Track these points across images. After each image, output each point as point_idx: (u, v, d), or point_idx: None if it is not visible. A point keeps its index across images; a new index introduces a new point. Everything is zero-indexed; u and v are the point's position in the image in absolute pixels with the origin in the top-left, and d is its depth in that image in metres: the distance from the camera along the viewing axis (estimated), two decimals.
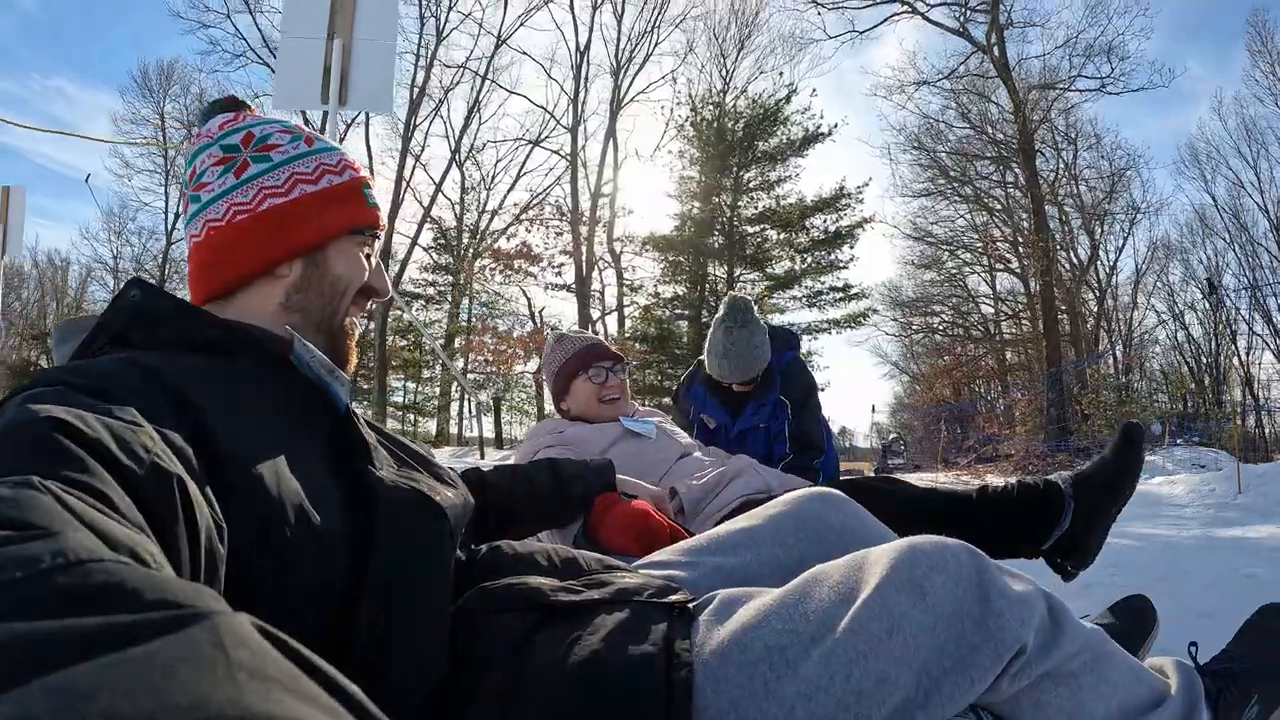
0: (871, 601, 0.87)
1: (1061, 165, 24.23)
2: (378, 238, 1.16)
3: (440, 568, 0.92)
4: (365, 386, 26.36)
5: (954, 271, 26.42)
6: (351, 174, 1.12)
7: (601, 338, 2.68)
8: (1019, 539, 1.73)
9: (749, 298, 3.03)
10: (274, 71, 4.06)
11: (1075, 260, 24.90)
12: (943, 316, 28.00)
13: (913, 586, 0.89)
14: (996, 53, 21.38)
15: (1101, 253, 25.57)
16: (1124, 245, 25.56)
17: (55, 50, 48.27)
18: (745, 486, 1.96)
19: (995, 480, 1.95)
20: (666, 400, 24.05)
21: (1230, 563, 4.43)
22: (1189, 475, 9.23)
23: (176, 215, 28.37)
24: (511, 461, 2.03)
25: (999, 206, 23.94)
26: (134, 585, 0.38)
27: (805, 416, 3.03)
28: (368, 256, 1.14)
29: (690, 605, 0.99)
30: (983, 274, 26.21)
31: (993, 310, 26.81)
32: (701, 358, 3.13)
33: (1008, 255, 23.98)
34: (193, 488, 0.65)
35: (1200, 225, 25.87)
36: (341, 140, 25.17)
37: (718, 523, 1.61)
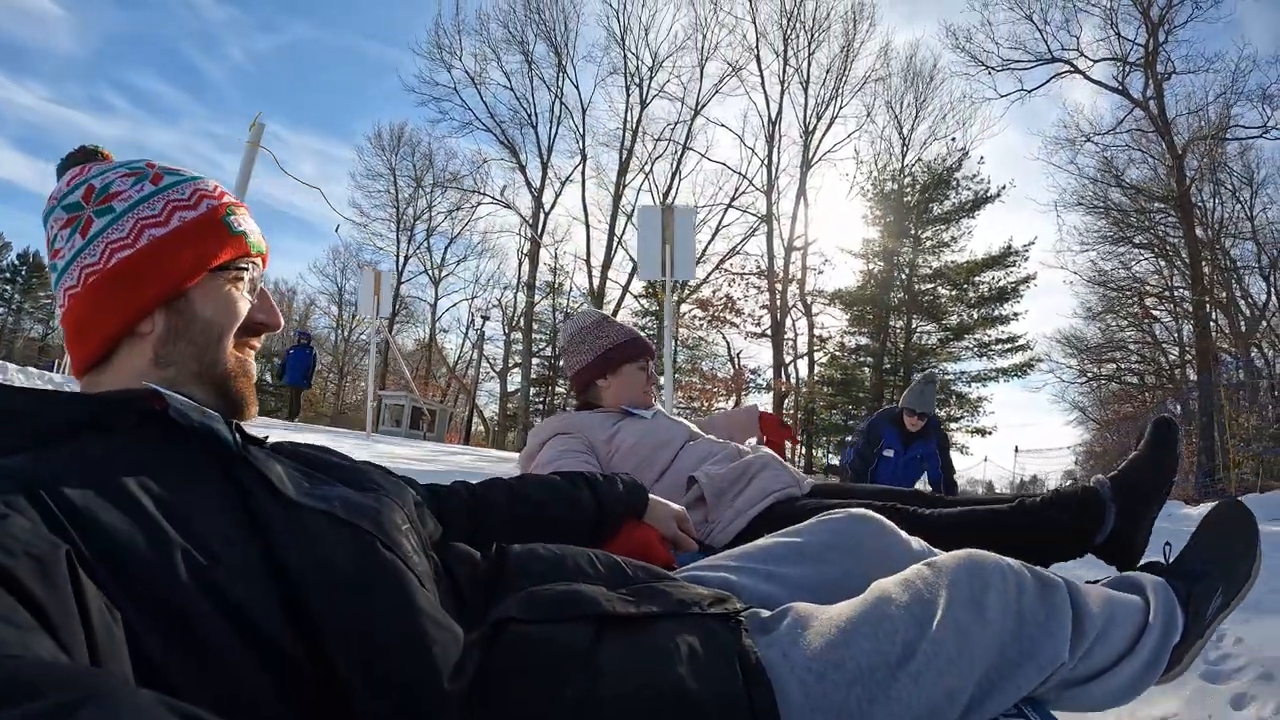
0: (944, 621, 0.96)
1: (1238, 207, 25.13)
2: (247, 268, 1.09)
3: (383, 579, 0.88)
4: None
5: (1132, 316, 27.57)
6: (210, 204, 1.06)
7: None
8: (1062, 546, 1.81)
9: (938, 374, 6.19)
10: (637, 251, 7.68)
11: (1251, 305, 25.49)
12: (1125, 364, 28.98)
13: (973, 603, 0.99)
14: (1154, 108, 23.47)
15: None
16: None
17: (264, 96, 54.72)
18: (774, 481, 2.09)
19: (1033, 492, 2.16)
20: (850, 437, 27.89)
21: None
22: None
23: (407, 258, 33.63)
24: (519, 457, 2.30)
25: (1177, 252, 25.06)
26: (28, 679, 0.40)
27: (947, 456, 6.29)
28: (248, 290, 1.09)
29: (744, 614, 1.00)
30: (1167, 321, 27.18)
31: (1177, 356, 27.37)
32: (885, 409, 6.15)
33: (1184, 303, 25.08)
34: (76, 569, 0.65)
35: None
36: (557, 197, 31.17)
37: (751, 519, 1.98)
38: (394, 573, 0.90)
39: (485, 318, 32.95)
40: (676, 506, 1.72)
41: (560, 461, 2.14)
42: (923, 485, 6.42)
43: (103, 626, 0.64)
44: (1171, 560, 1.50)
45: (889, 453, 6.22)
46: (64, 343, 1.06)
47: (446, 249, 34.26)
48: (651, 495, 1.68)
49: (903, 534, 1.39)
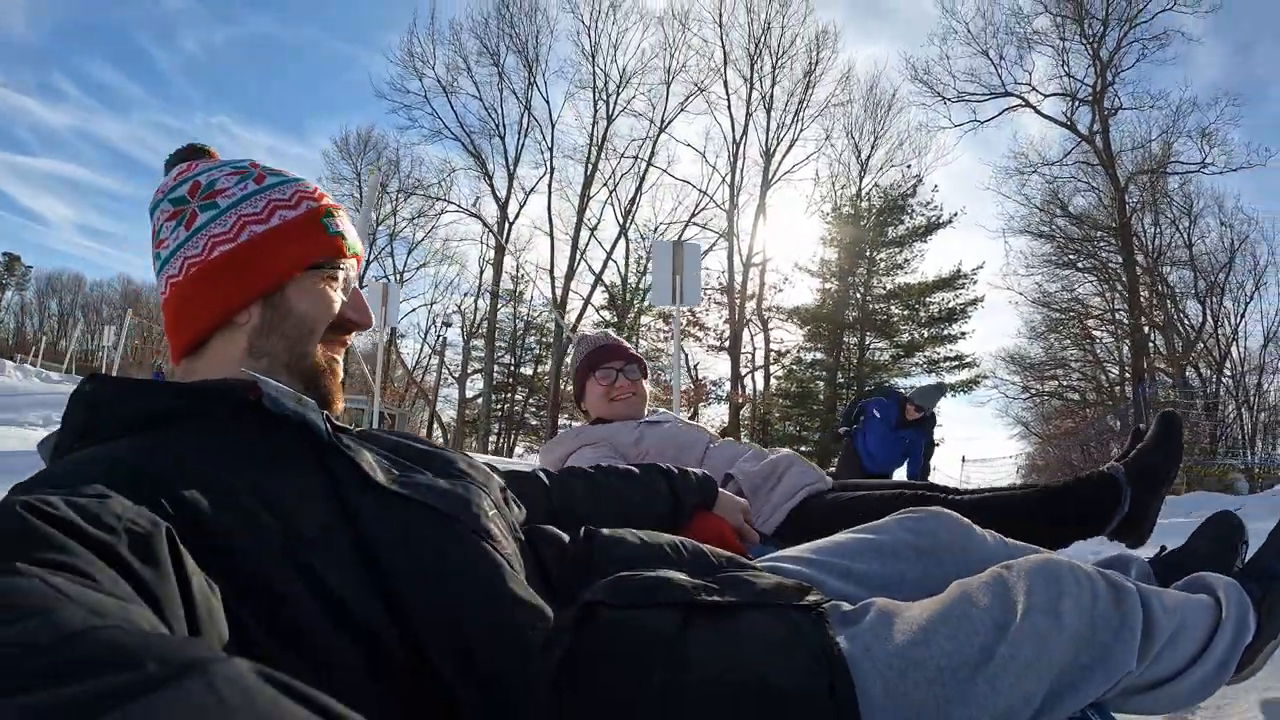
0: (1023, 626, 0.97)
1: (1177, 235, 26.31)
2: (341, 268, 1.13)
3: (473, 566, 0.91)
4: (534, 422, 32.24)
5: (1074, 336, 29.09)
6: (309, 205, 1.10)
7: (620, 338, 2.78)
8: (1082, 528, 1.92)
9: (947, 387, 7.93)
10: (653, 278, 8.72)
11: (1187, 328, 26.56)
12: (1067, 380, 30.18)
13: (1049, 609, 0.99)
14: (1099, 143, 25.22)
15: (1227, 321, 26.38)
16: (1245, 311, 26.74)
17: (218, 90, 54.74)
18: (804, 477, 2.20)
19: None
20: (805, 448, 29.27)
21: None
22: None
23: (368, 262, 33.52)
24: (541, 465, 2.19)
25: (1118, 276, 26.52)
26: (129, 647, 0.41)
27: (928, 458, 7.24)
28: (340, 288, 1.13)
29: (826, 606, 1.01)
30: (1107, 340, 28.63)
31: (1117, 374, 28.60)
32: (891, 385, 7.95)
33: (1124, 325, 26.81)
34: (178, 546, 0.67)
35: None
36: (521, 208, 31.95)
37: (788, 513, 2.09)
38: (484, 559, 0.92)
39: (448, 324, 33.42)
40: (741, 500, 1.80)
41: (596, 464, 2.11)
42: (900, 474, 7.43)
43: (203, 601, 0.66)
44: (1247, 560, 1.51)
45: (878, 414, 7.05)
46: (163, 329, 1.12)
47: (409, 254, 34.45)
48: (720, 489, 1.74)
49: (979, 531, 1.41)
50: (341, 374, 1.15)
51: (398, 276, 34.29)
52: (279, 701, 0.37)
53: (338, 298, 1.13)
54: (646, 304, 30.02)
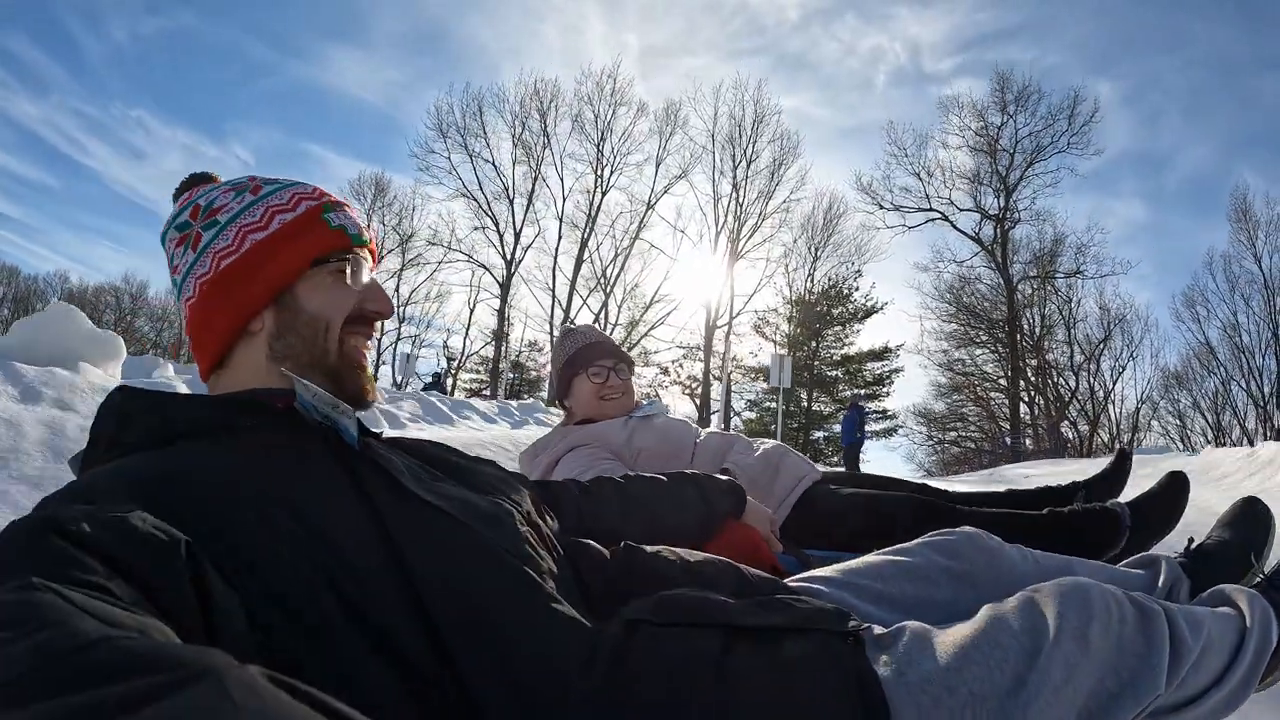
0: (1053, 653, 0.98)
1: (1060, 317, 33.40)
2: (347, 259, 1.13)
3: (506, 583, 0.91)
4: None
5: (973, 396, 35.77)
6: (308, 204, 1.12)
7: (606, 333, 2.72)
8: (1079, 555, 1.73)
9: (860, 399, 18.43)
10: (771, 370, 17.64)
11: (1064, 393, 34.50)
12: (966, 432, 37.19)
13: (1079, 635, 1.01)
14: (999, 254, 32.74)
15: (1102, 387, 33.71)
16: (1116, 380, 33.76)
17: (139, 82, 53.62)
18: (798, 467, 2.28)
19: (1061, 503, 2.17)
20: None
21: None
22: None
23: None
24: (524, 470, 2.22)
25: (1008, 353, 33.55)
26: (143, 654, 0.43)
27: (862, 423, 18.21)
28: (353, 280, 1.13)
29: (862, 631, 1.02)
30: (1000, 400, 35.19)
31: (1008, 427, 35.07)
32: (855, 407, 18.25)
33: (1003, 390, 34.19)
34: (199, 560, 0.69)
35: (1199, 363, 32.92)
36: (518, 265, 35.74)
37: (792, 507, 2.12)
38: (520, 578, 0.93)
39: (450, 358, 36.90)
40: (766, 509, 1.77)
41: (594, 469, 2.13)
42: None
43: (222, 614, 0.69)
44: (1268, 573, 1.52)
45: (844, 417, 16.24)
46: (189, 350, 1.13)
47: (411, 294, 37.67)
48: (749, 496, 1.71)
49: (1010, 552, 1.41)
50: (371, 366, 1.17)
51: (400, 311, 37.52)
52: (290, 705, 0.38)
53: (349, 291, 1.13)
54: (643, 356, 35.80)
